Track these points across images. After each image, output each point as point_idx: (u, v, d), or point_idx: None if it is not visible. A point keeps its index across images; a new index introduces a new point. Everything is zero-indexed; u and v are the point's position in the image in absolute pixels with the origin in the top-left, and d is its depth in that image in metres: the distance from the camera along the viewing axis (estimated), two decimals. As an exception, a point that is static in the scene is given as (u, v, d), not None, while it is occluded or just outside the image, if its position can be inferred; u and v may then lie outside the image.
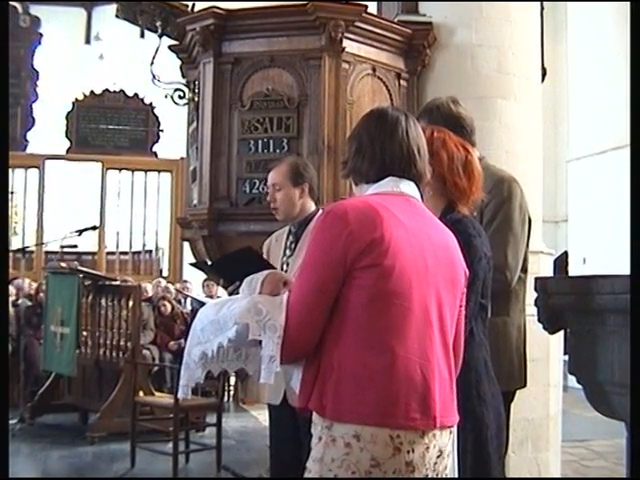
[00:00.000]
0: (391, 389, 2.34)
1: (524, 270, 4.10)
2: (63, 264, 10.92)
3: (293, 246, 4.35)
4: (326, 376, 2.38)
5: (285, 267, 4.30)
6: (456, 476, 2.69)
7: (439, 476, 2.47)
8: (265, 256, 4.48)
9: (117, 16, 7.19)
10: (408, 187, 2.58)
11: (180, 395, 2.81)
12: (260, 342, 2.44)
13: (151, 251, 17.10)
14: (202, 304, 3.06)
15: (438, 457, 2.44)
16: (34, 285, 12.41)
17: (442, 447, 2.46)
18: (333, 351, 2.39)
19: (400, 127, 2.59)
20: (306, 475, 2.44)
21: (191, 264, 5.05)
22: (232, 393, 11.80)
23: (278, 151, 5.95)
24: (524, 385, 4.16)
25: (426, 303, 2.44)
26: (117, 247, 16.64)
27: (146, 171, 16.64)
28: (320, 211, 4.43)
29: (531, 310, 3.64)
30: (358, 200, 2.52)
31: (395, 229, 2.40)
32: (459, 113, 4.03)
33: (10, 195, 14.80)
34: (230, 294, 3.77)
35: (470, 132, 3.98)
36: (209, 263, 5.18)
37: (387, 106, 2.82)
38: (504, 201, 4.00)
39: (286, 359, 2.43)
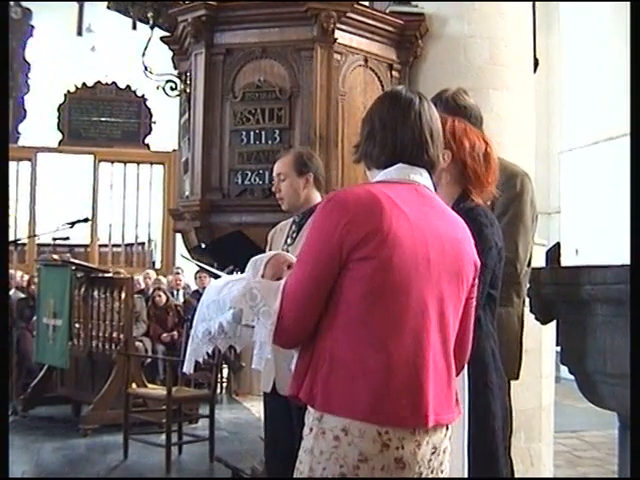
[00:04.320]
0: (382, 385, 2.30)
1: (528, 264, 4.12)
2: (55, 256, 10.90)
3: (295, 235, 4.38)
4: (318, 366, 2.35)
5: None
6: (466, 471, 2.69)
7: (434, 473, 2.43)
8: (269, 245, 4.52)
9: (109, 8, 7.20)
10: (418, 175, 2.52)
11: (185, 369, 2.84)
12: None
13: (144, 243, 17.12)
14: (217, 276, 3.08)
15: (432, 454, 2.40)
16: (26, 277, 12.40)
17: (436, 444, 2.41)
18: (326, 342, 2.36)
19: (413, 110, 2.52)
20: (298, 465, 2.42)
21: (188, 250, 5.07)
22: (225, 385, 11.81)
23: (270, 142, 5.94)
24: (517, 377, 4.18)
25: (425, 298, 2.38)
26: (110, 239, 16.64)
27: (138, 163, 16.63)
28: None
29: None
30: (361, 188, 2.46)
31: (396, 220, 2.34)
32: (471, 104, 4.10)
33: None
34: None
35: (481, 122, 4.04)
36: (203, 246, 5.21)
37: (402, 87, 2.73)
38: (516, 195, 4.03)
39: (279, 345, 2.43)
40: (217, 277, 3.17)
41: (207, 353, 2.75)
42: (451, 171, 3.08)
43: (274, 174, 4.52)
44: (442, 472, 2.48)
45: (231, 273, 3.84)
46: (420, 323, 2.37)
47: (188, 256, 5.89)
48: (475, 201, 3.13)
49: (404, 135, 2.50)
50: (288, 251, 4.34)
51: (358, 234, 2.31)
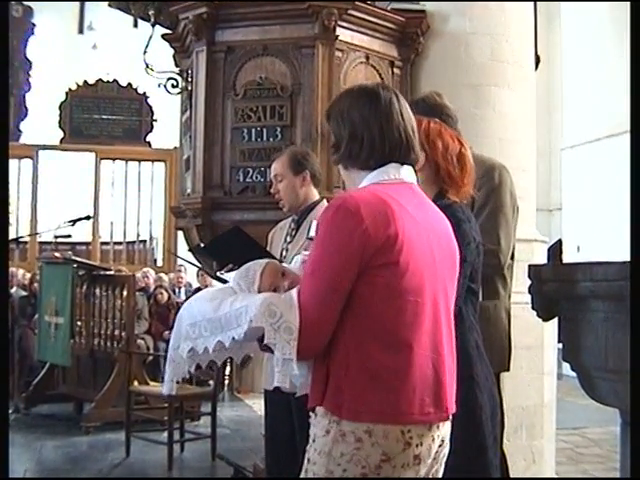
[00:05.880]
0: (408, 387, 2.33)
1: (511, 257, 4.16)
2: (57, 254, 10.89)
3: (294, 233, 4.42)
4: (340, 375, 2.35)
5: (285, 252, 4.38)
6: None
7: (439, 464, 2.50)
8: (269, 244, 4.55)
9: (110, 6, 7.19)
10: (408, 173, 2.55)
11: (165, 391, 2.82)
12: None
13: (145, 241, 17.09)
14: (225, 281, 3.05)
15: (440, 446, 2.46)
16: (28, 275, 12.40)
17: (444, 437, 2.48)
18: (347, 349, 2.35)
19: (394, 109, 2.52)
20: (308, 465, 2.42)
21: (190, 248, 5.08)
22: (227, 382, 11.81)
23: (271, 140, 5.94)
24: (508, 369, 4.21)
25: (435, 295, 2.43)
26: (111, 237, 16.60)
27: (140, 161, 16.58)
28: (324, 200, 4.50)
29: (524, 297, 3.65)
30: (368, 193, 2.42)
31: (406, 223, 2.37)
32: (444, 103, 4.13)
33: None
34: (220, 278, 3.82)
35: (455, 121, 4.07)
36: (202, 246, 5.22)
37: (375, 85, 2.68)
38: (495, 188, 4.08)
39: (299, 358, 2.37)
40: (212, 276, 3.16)
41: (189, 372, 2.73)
42: (426, 172, 3.15)
43: (271, 176, 4.56)
44: (444, 463, 2.54)
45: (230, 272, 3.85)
46: (434, 321, 2.42)
47: (182, 255, 5.91)
48: (452, 199, 3.22)
49: (391, 135, 2.50)
50: (287, 249, 4.38)
51: (376, 242, 2.31)
